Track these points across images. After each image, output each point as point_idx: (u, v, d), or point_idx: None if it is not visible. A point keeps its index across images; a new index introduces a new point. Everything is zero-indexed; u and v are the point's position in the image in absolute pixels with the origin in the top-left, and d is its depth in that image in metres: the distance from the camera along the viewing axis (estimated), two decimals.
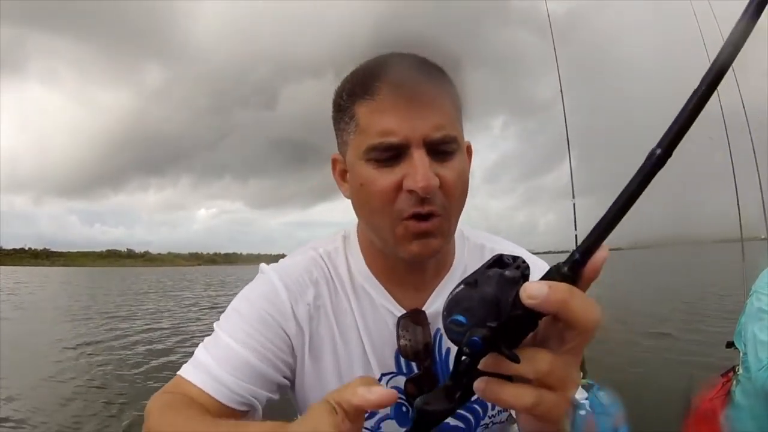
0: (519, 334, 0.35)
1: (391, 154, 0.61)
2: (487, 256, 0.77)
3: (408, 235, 0.62)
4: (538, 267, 0.77)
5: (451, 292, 0.36)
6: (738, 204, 3.60)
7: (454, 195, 0.63)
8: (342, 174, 0.70)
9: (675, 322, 7.92)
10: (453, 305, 0.36)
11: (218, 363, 0.65)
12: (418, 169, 0.59)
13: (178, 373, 0.67)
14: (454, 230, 0.68)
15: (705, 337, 6.22)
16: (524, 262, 0.37)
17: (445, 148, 0.62)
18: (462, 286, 0.36)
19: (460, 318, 0.35)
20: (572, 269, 0.34)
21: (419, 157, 0.60)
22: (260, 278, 0.74)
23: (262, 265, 0.75)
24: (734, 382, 1.37)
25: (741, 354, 1.35)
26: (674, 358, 5.42)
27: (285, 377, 0.70)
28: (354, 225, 0.77)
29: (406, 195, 0.61)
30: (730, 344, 1.46)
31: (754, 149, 3.50)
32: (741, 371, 1.34)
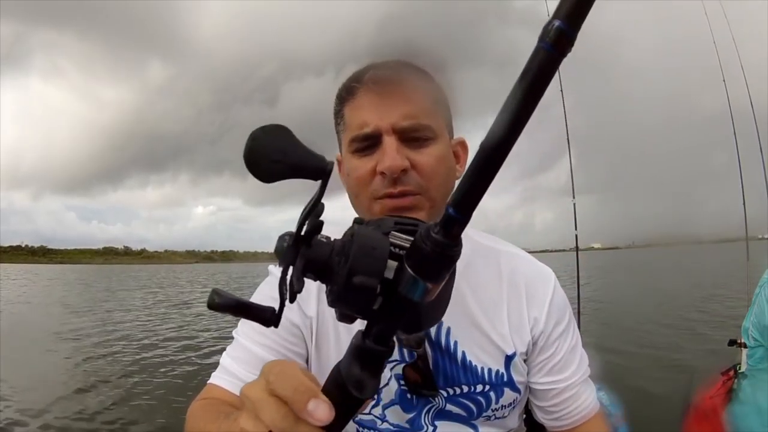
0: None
1: (368, 143, 0.68)
2: (503, 260, 0.77)
3: (384, 212, 0.67)
4: (540, 272, 0.77)
5: None
6: (744, 204, 3.59)
7: (432, 177, 0.68)
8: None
9: (674, 322, 7.94)
10: None
11: (239, 365, 0.72)
12: (386, 153, 0.66)
13: (208, 381, 0.73)
14: (439, 210, 0.70)
15: (705, 337, 6.24)
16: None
17: (416, 135, 0.67)
18: None
19: None
20: (446, 233, 0.28)
21: (388, 143, 0.66)
22: (267, 279, 0.79)
23: (270, 266, 0.79)
24: (737, 380, 1.36)
25: (746, 350, 1.33)
26: (674, 358, 5.43)
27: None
28: None
29: (380, 177, 0.67)
30: (732, 342, 1.45)
31: (761, 149, 3.47)
32: (745, 367, 1.33)
